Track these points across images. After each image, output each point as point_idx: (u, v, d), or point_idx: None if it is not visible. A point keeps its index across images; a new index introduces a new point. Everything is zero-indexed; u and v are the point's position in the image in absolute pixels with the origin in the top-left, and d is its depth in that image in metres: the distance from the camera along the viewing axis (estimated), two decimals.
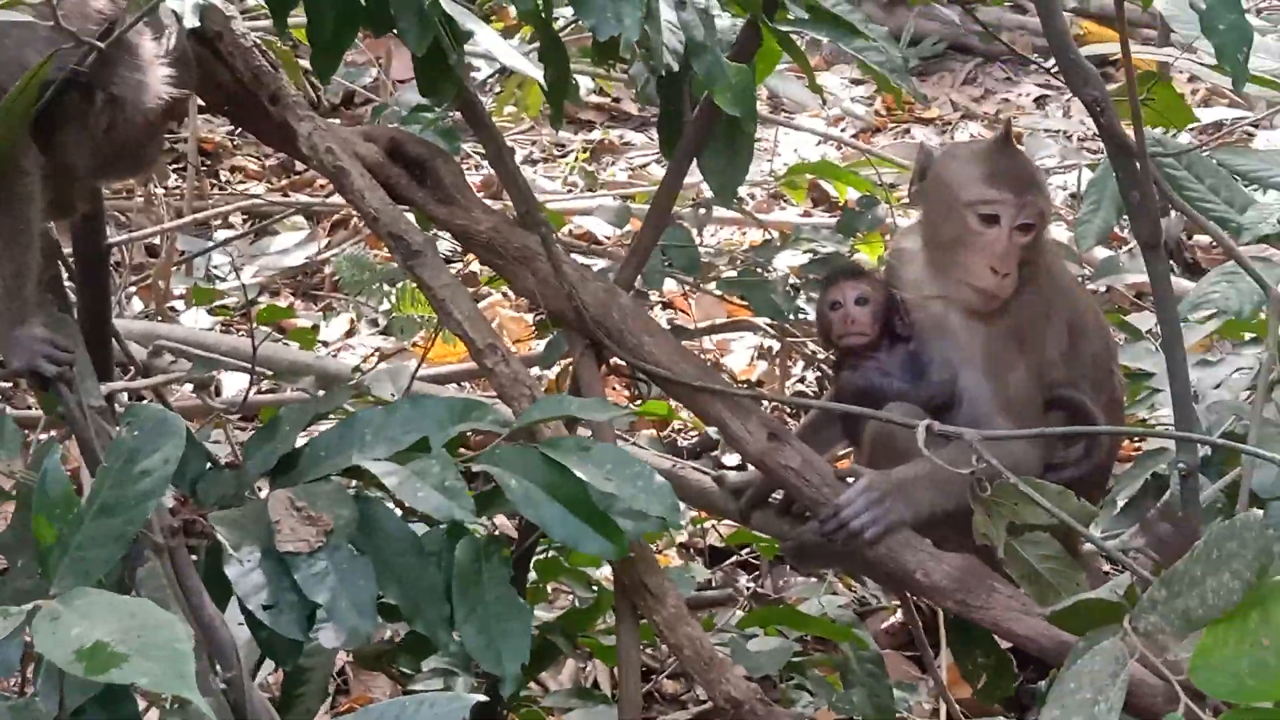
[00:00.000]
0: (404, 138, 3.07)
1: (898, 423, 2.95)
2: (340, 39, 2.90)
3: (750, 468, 3.29)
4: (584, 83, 6.18)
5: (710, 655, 2.76)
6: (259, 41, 3.09)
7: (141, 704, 2.27)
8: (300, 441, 2.62)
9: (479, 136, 3.14)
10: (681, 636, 2.75)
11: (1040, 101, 7.57)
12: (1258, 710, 2.08)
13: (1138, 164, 2.86)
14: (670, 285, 4.92)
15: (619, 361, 3.17)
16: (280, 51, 5.42)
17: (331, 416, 2.94)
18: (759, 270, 4.17)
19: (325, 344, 5.53)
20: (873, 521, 2.95)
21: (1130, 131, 2.86)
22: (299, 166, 6.61)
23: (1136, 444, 4.24)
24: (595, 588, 3.55)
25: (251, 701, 2.38)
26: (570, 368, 3.32)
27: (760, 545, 4.26)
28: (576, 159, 6.89)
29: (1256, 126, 6.71)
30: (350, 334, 5.63)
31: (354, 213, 5.91)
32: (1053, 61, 2.88)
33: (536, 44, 3.28)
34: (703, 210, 4.44)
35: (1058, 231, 5.67)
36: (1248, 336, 3.74)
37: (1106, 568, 3.62)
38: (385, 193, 2.93)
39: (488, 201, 3.34)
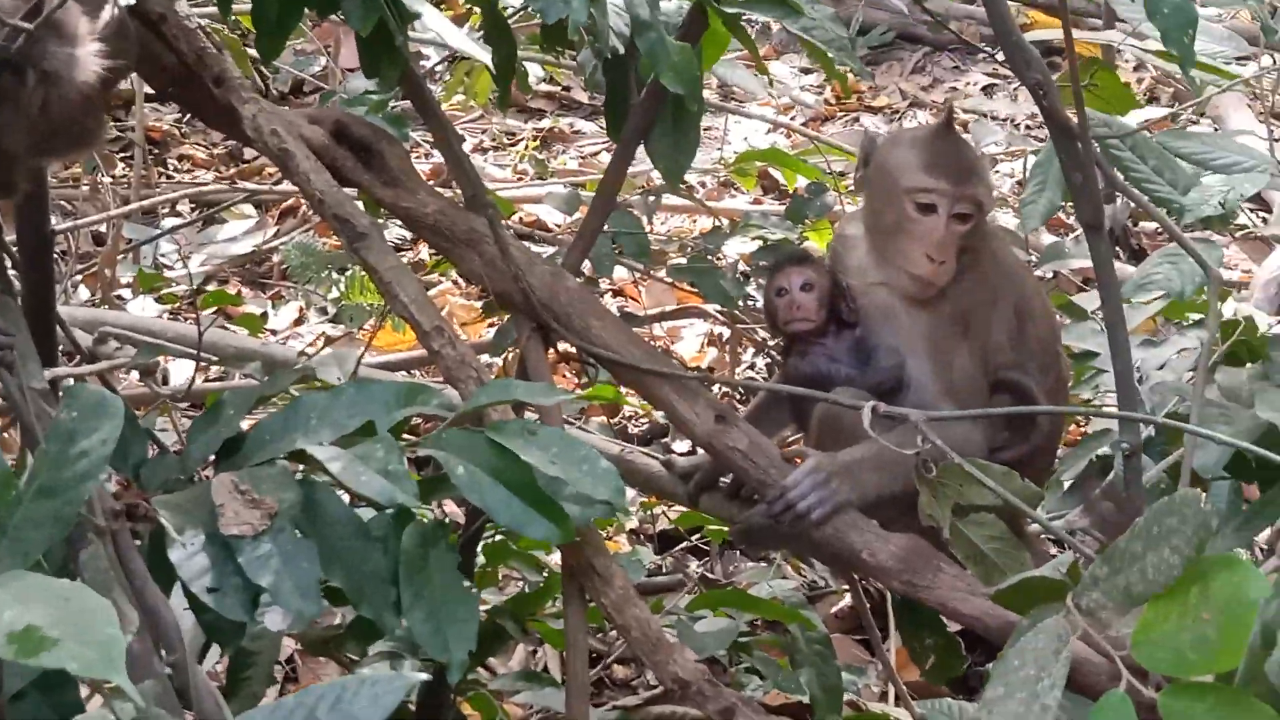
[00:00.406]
0: (349, 120, 3.06)
1: (844, 404, 2.96)
2: (285, 20, 2.88)
3: (699, 452, 3.30)
4: (534, 70, 6.18)
5: (658, 636, 2.75)
6: (205, 26, 3.07)
7: (85, 689, 2.26)
8: (246, 425, 2.60)
9: (425, 120, 3.13)
10: (629, 618, 2.74)
11: (988, 90, 7.61)
12: (1198, 684, 2.10)
13: (1080, 146, 2.88)
14: (620, 273, 4.93)
15: (568, 348, 3.17)
16: (228, 39, 5.40)
17: (276, 401, 2.93)
18: (709, 257, 4.18)
19: (274, 332, 5.51)
20: (819, 503, 2.95)
21: (1074, 115, 2.89)
22: (248, 154, 6.58)
23: (1083, 426, 4.27)
24: (545, 572, 3.55)
25: (196, 685, 2.36)
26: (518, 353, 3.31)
27: (709, 530, 4.27)
28: (527, 147, 6.89)
29: (1203, 116, 6.78)
30: (299, 322, 5.60)
31: (302, 200, 5.91)
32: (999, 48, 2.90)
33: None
34: (652, 197, 4.45)
35: (1004, 217, 5.71)
36: (1192, 318, 3.77)
37: (1054, 550, 3.65)
38: (331, 175, 2.91)
39: (439, 190, 3.33)
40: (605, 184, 3.23)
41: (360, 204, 3.02)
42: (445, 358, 2.79)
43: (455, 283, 5.63)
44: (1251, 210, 6.09)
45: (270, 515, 2.33)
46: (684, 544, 4.49)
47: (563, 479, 2.39)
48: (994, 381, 3.23)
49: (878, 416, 2.78)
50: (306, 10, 2.98)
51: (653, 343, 5.02)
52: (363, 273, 5.25)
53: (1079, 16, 7.23)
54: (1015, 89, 7.43)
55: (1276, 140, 3.57)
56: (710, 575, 4.36)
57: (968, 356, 3.20)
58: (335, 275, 5.53)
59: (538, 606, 3.49)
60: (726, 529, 3.59)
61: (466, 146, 6.81)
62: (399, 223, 3.25)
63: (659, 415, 4.79)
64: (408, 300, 2.82)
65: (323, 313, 5.61)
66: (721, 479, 3.32)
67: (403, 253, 5.75)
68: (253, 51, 5.54)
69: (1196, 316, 3.73)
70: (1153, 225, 5.96)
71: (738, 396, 4.90)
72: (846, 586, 4.02)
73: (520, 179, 6.57)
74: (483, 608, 3.56)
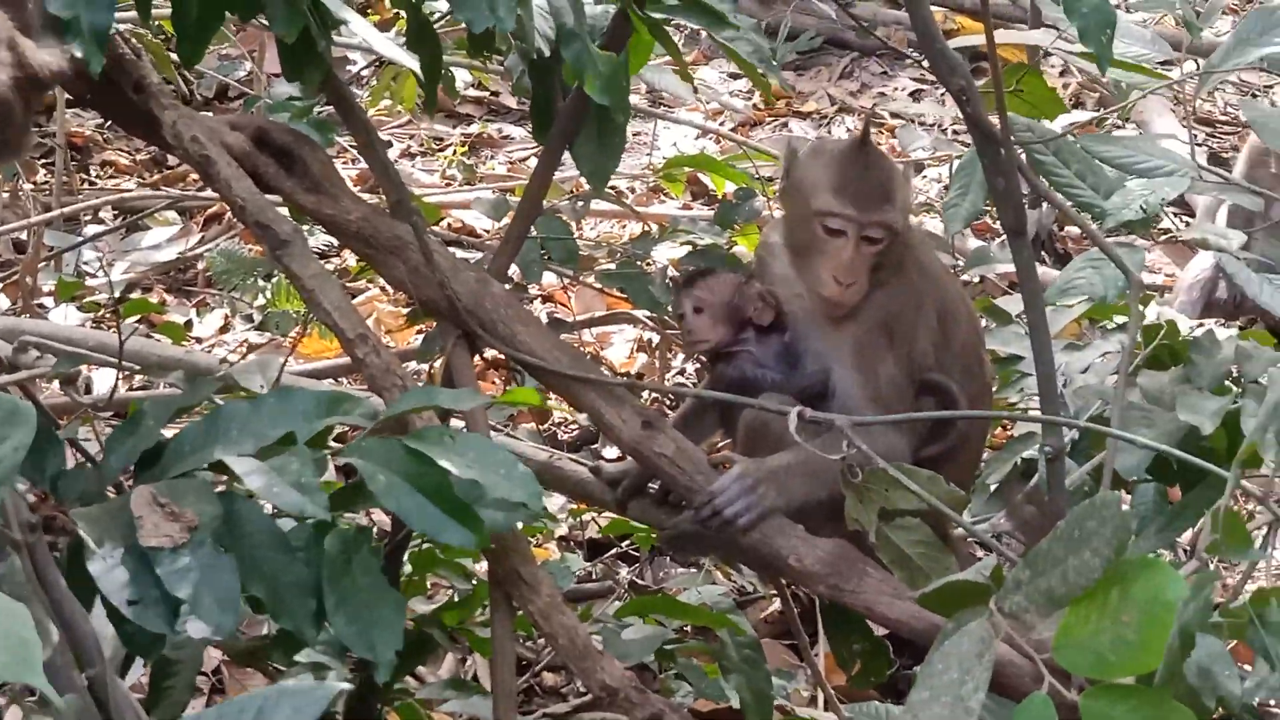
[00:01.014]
0: (271, 126, 3.03)
1: (771, 410, 2.97)
2: (205, 25, 2.83)
3: (629, 458, 3.30)
4: (462, 76, 6.15)
5: (585, 644, 2.75)
6: (125, 32, 3.03)
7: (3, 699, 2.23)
8: (169, 434, 2.58)
9: (348, 125, 3.10)
10: (556, 626, 2.74)
11: (916, 95, 7.65)
12: (1119, 686, 2.11)
13: (1002, 152, 2.90)
14: (550, 278, 4.92)
15: (495, 355, 3.16)
16: (151, 45, 5.34)
17: (199, 410, 2.90)
18: (638, 263, 4.17)
19: (199, 340, 5.45)
20: (746, 509, 2.96)
21: (997, 120, 2.90)
22: (171, 160, 6.51)
23: (1009, 430, 4.30)
24: (473, 580, 3.53)
25: (116, 699, 2.34)
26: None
27: (638, 537, 4.26)
28: (455, 152, 6.86)
29: (1128, 121, 6.84)
30: (225, 330, 5.55)
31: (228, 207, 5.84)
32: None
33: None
34: (581, 203, 4.44)
35: (931, 222, 5.74)
36: (1116, 322, 3.80)
37: (979, 554, 3.67)
38: (252, 182, 2.89)
39: (365, 196, 3.30)
40: (531, 189, 3.22)
41: (286, 211, 3.00)
42: (369, 365, 2.77)
43: (383, 289, 5.59)
44: (1175, 214, 6.15)
45: (190, 528, 2.31)
46: (614, 550, 4.48)
47: (480, 483, 2.38)
48: (918, 384, 3.24)
49: (804, 422, 2.79)
50: (229, 14, 2.96)
51: (582, 349, 5.01)
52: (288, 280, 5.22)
53: (1006, 21, 7.28)
54: (942, 94, 7.46)
55: (1199, 144, 3.60)
56: (640, 581, 4.35)
57: (893, 364, 3.21)
58: (261, 282, 5.48)
59: (466, 615, 3.47)
60: (655, 535, 3.59)
61: (394, 152, 6.77)
62: (323, 229, 3.22)
63: (584, 420, 4.78)
64: (331, 308, 2.80)
65: (249, 320, 5.56)
66: (650, 485, 3.32)
67: (328, 259, 5.71)
68: (176, 57, 5.49)
69: (1120, 320, 3.76)
70: (1078, 230, 6.01)
71: (668, 402, 4.90)
72: (775, 591, 4.03)
73: (448, 184, 6.54)
74: (410, 616, 3.54)
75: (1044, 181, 3.17)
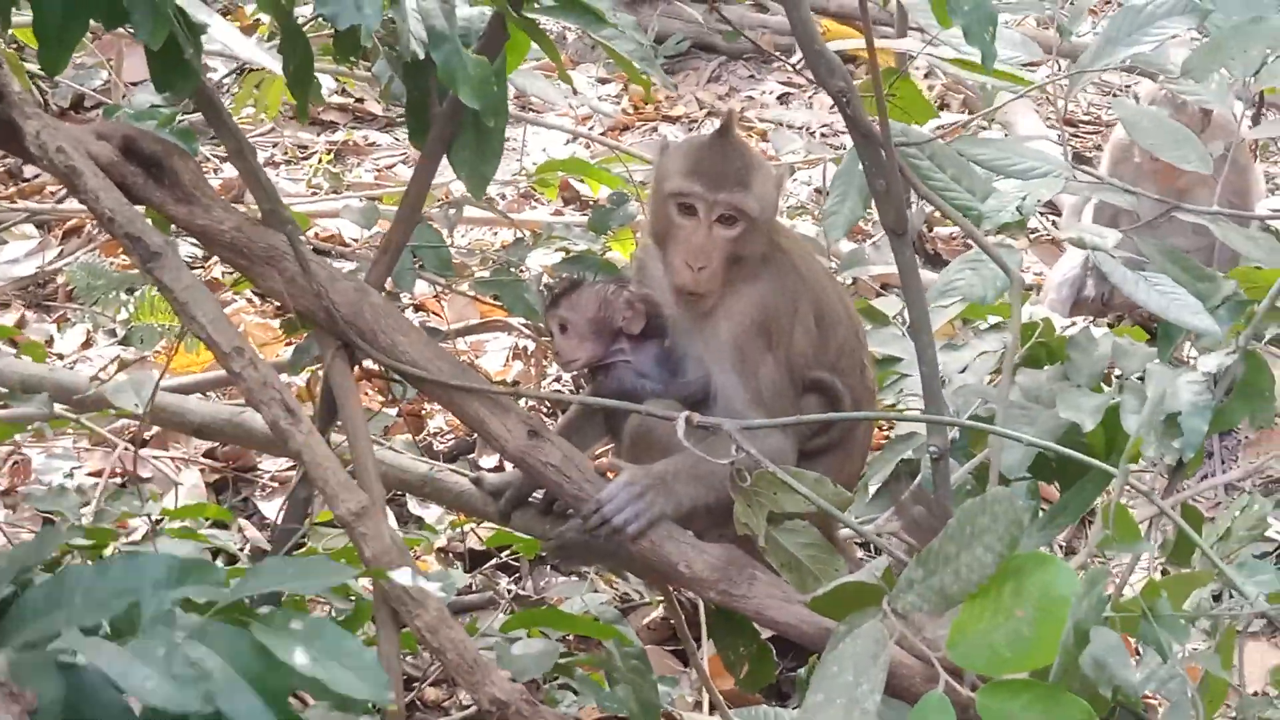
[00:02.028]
0: (138, 135, 2.95)
1: (657, 415, 2.95)
2: (69, 31, 2.76)
3: (509, 468, 3.26)
4: (326, 83, 6.06)
5: (474, 658, 2.70)
6: None
7: None
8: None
9: (218, 133, 3.03)
10: (444, 640, 2.69)
11: (783, 98, 7.69)
12: (1014, 681, 2.12)
13: (882, 153, 2.90)
14: (422, 287, 4.86)
15: (372, 366, 3.11)
16: (5, 54, 5.19)
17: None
18: (512, 270, 4.13)
19: (61, 356, 5.31)
20: (635, 516, 2.94)
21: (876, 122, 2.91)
22: (28, 172, 6.35)
23: (885, 431, 4.32)
24: (354, 597, 3.47)
25: None
26: (321, 373, 3.23)
27: (519, 546, 4.22)
28: (320, 160, 6.76)
29: (992, 123, 6.93)
30: (87, 345, 5.42)
31: (88, 219, 5.71)
32: (796, 58, 2.90)
33: (275, 41, 3.18)
34: (453, 210, 4.38)
35: (805, 226, 5.77)
36: (990, 322, 3.84)
37: (861, 555, 3.67)
38: (121, 193, 2.81)
39: (233, 205, 3.22)
40: (409, 195, 3.17)
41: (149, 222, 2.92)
42: (247, 379, 2.71)
43: (250, 301, 5.50)
44: (1042, 214, 6.23)
45: (30, 711, 2.20)
46: (494, 561, 4.43)
47: (325, 680, 2.22)
48: (803, 382, 3.23)
49: (690, 428, 2.77)
50: (91, 22, 2.87)
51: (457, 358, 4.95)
52: (154, 293, 5.10)
53: (873, 25, 7.34)
54: (810, 97, 7.51)
55: (1068, 144, 3.64)
56: (522, 592, 4.31)
57: (773, 365, 3.20)
58: (124, 296, 5.35)
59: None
60: (539, 544, 3.55)
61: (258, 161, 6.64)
62: (190, 240, 3.15)
63: (462, 430, 4.72)
64: (205, 320, 2.73)
65: (111, 335, 5.43)
66: (533, 495, 3.28)
67: (194, 271, 5.59)
68: (30, 66, 5.35)
69: (995, 320, 3.79)
70: (948, 230, 6.07)
71: (545, 410, 4.87)
72: (661, 598, 4.01)
73: (314, 193, 6.44)
74: None
75: (921, 183, 3.18)
